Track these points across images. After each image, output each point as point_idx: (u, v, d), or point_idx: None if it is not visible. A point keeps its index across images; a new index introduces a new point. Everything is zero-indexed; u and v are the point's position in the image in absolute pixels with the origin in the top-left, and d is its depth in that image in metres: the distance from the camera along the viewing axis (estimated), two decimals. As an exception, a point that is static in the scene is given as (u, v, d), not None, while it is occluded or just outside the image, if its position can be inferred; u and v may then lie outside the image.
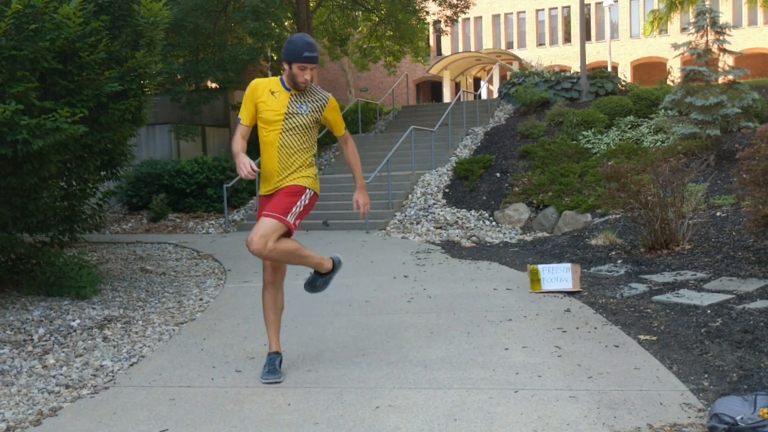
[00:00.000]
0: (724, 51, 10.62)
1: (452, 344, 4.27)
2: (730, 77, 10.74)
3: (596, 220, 9.47)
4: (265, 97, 3.66)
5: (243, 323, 5.13)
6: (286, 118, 3.64)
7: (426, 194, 12.15)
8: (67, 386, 3.82)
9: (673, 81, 15.84)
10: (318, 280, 3.88)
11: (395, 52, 21.93)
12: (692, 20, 11.06)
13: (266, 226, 3.53)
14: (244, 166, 3.45)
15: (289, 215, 3.58)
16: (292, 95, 3.68)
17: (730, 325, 4.27)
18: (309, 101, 3.70)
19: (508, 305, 5.30)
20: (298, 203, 3.64)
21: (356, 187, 3.89)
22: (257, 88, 3.69)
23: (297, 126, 3.66)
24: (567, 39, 36.13)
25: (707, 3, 13.14)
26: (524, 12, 36.94)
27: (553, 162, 11.95)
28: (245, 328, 4.98)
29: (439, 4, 20.22)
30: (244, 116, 3.69)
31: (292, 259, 3.63)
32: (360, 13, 21.70)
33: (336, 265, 3.91)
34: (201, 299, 6.12)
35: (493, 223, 10.80)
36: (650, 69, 34.41)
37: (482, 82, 25.63)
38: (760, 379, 3.35)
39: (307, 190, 3.69)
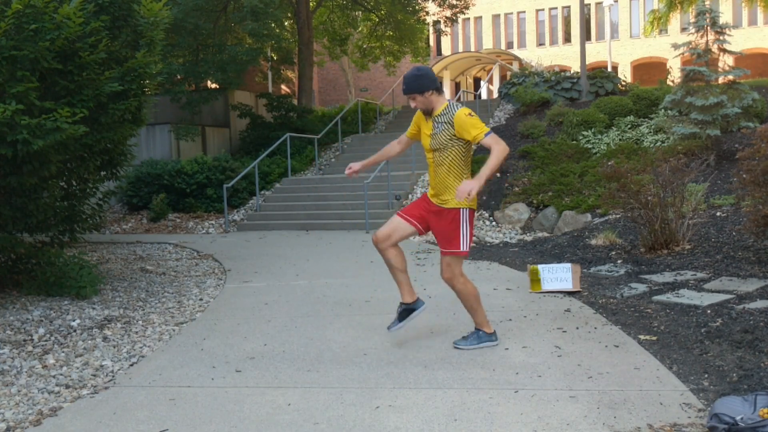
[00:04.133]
0: (724, 51, 10.62)
1: (452, 344, 4.27)
2: (730, 77, 10.74)
3: (596, 220, 9.47)
4: (421, 119, 4.18)
5: (243, 323, 5.13)
6: (432, 139, 4.06)
7: (426, 194, 12.14)
8: (67, 386, 3.82)
9: (673, 81, 15.83)
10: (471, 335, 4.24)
11: (395, 52, 21.95)
12: (692, 20, 11.06)
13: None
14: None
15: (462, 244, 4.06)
16: (432, 119, 4.07)
17: (730, 325, 4.27)
18: (441, 122, 4.01)
19: (508, 305, 5.30)
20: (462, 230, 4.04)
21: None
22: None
23: (438, 145, 4.02)
24: (567, 39, 36.13)
25: (707, 3, 13.14)
26: (524, 12, 36.95)
27: (553, 162, 11.95)
28: (245, 328, 4.98)
29: (439, 5, 20.23)
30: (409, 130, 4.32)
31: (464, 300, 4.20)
32: (360, 13, 21.72)
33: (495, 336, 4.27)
34: (201, 299, 6.12)
35: (493, 223, 10.80)
36: (650, 69, 34.42)
37: (482, 82, 25.65)
38: (760, 379, 3.35)
39: (461, 211, 4.02)
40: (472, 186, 3.71)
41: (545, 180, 11.15)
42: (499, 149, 3.80)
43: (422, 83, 3.99)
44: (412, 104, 4.09)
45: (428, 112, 4.06)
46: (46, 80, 5.69)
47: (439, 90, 4.04)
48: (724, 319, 4.39)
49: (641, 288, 5.59)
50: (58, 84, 5.71)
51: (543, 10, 36.58)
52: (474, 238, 9.75)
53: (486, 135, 3.85)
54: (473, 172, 12.00)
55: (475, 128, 3.88)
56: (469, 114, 3.92)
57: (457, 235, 4.01)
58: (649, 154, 10.48)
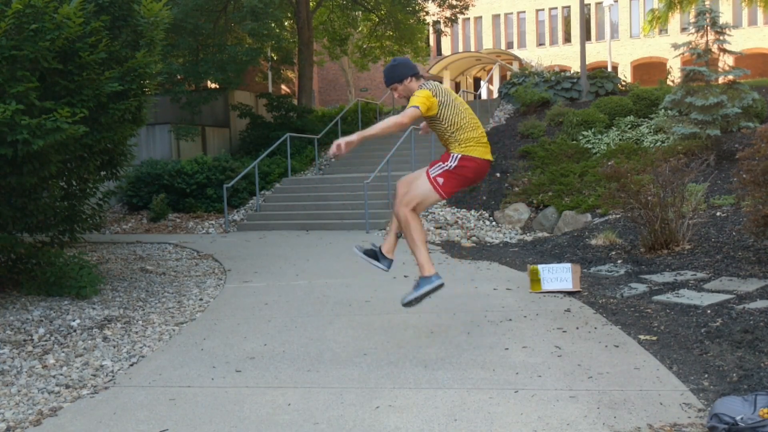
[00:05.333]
0: (724, 51, 10.62)
1: (452, 344, 4.27)
2: (730, 77, 10.73)
3: (596, 220, 9.47)
4: None
5: (243, 323, 5.13)
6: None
7: (426, 194, 12.13)
8: (67, 386, 3.82)
9: (673, 81, 15.83)
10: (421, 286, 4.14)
11: (395, 52, 21.94)
12: (692, 20, 11.06)
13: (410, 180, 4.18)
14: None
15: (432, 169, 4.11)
16: None
17: (730, 325, 4.27)
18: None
19: (508, 305, 5.30)
20: (443, 164, 4.10)
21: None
22: None
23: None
24: (567, 39, 36.13)
25: (707, 3, 13.15)
26: (524, 12, 36.95)
27: (553, 162, 11.94)
28: (245, 328, 4.98)
29: (439, 5, 20.23)
30: None
31: (406, 231, 4.08)
32: (360, 13, 21.72)
33: (435, 278, 4.12)
34: (201, 299, 6.12)
35: (493, 223, 10.80)
36: (650, 69, 34.42)
37: (482, 82, 25.67)
38: (760, 379, 3.35)
39: (453, 154, 4.10)
40: (338, 142, 3.81)
41: (545, 180, 11.15)
42: (389, 119, 3.89)
43: (400, 72, 4.12)
44: (396, 95, 4.21)
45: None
46: (46, 80, 5.69)
47: (417, 75, 4.15)
48: (724, 319, 4.39)
49: (641, 288, 5.58)
50: (58, 84, 5.71)
51: (543, 10, 36.58)
52: (474, 238, 9.75)
53: (408, 108, 3.96)
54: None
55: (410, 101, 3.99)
56: (414, 94, 4.02)
57: (436, 163, 4.12)
58: (649, 154, 10.49)
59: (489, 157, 4.16)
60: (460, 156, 4.08)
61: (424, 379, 3.63)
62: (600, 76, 16.21)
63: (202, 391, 3.64)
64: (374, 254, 4.31)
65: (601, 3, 32.39)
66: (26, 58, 5.29)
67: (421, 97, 3.97)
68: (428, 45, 30.39)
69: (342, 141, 3.79)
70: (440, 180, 4.07)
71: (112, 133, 6.36)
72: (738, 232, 7.07)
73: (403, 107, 4.49)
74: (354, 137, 3.82)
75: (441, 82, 31.69)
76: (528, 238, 9.73)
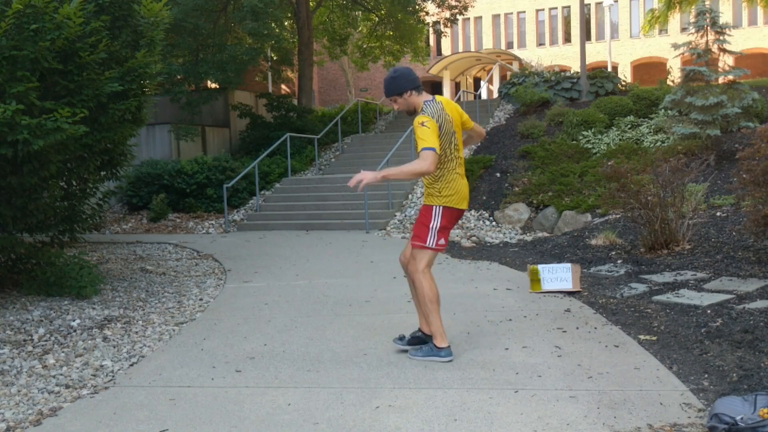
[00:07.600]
0: (724, 51, 10.63)
1: (452, 344, 4.27)
2: (730, 77, 10.74)
3: (596, 220, 9.47)
4: None
5: (243, 323, 5.13)
6: None
7: (426, 194, 12.14)
8: (67, 386, 3.82)
9: (673, 81, 15.84)
10: (424, 346, 4.03)
11: (395, 51, 21.94)
12: (692, 20, 11.06)
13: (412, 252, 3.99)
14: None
15: (429, 239, 3.92)
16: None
17: (730, 325, 4.27)
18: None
19: (508, 305, 5.30)
20: (431, 225, 3.92)
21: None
22: None
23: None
24: (567, 39, 36.13)
25: (707, 3, 13.15)
26: (524, 12, 36.94)
27: (553, 162, 11.94)
28: (245, 328, 4.98)
29: (438, 5, 20.22)
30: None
31: (419, 299, 3.98)
32: (360, 13, 21.71)
33: (445, 352, 3.94)
34: (201, 299, 6.12)
35: (493, 223, 10.80)
36: (650, 69, 34.42)
37: (482, 82, 25.66)
38: (760, 379, 3.35)
39: (435, 207, 3.93)
40: (364, 175, 3.66)
41: (545, 180, 11.14)
42: (415, 164, 3.66)
43: (399, 84, 3.90)
44: (395, 107, 4.01)
45: (411, 113, 4.00)
46: (46, 80, 5.69)
47: (418, 89, 3.93)
48: (724, 319, 4.39)
49: (641, 288, 5.59)
50: (59, 84, 5.71)
51: (543, 10, 36.57)
52: (474, 238, 9.75)
53: (422, 150, 3.70)
54: (470, 172, 11.99)
55: (419, 141, 3.74)
56: (422, 123, 3.74)
57: (425, 230, 3.90)
58: (649, 154, 10.49)
59: (465, 206, 4.01)
60: (441, 210, 3.91)
61: (424, 379, 3.63)
62: (600, 76, 16.21)
63: (202, 391, 3.64)
64: (420, 339, 4.14)
65: (601, 3, 32.40)
66: (26, 58, 5.29)
67: (431, 131, 3.72)
68: (428, 45, 30.40)
69: (367, 176, 3.64)
70: (440, 241, 3.93)
71: (112, 133, 6.37)
72: (738, 232, 7.07)
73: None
74: (378, 175, 3.64)
75: (441, 83, 31.67)
76: (528, 238, 9.73)
